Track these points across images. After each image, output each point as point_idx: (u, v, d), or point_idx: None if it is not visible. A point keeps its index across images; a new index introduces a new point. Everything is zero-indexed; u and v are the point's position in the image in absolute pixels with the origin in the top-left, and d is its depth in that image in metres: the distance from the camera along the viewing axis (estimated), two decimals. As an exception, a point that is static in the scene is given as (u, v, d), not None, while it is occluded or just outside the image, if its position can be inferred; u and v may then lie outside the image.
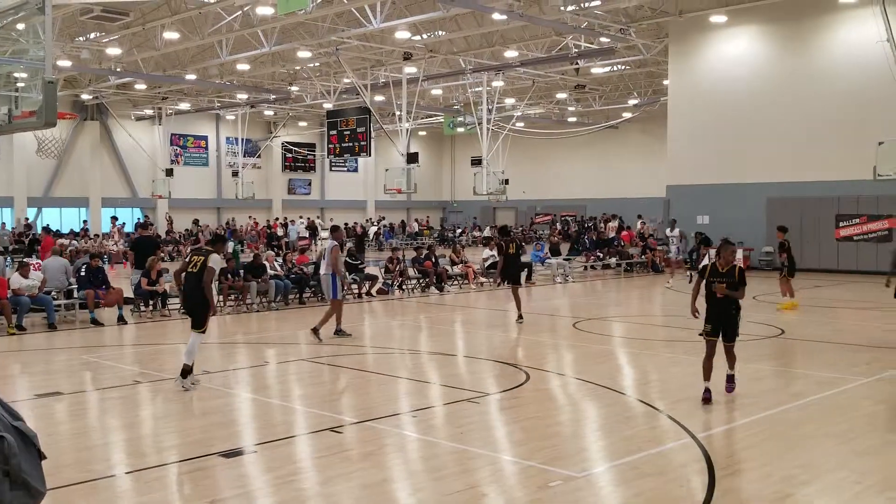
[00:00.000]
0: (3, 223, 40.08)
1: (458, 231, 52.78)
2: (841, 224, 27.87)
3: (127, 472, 7.14)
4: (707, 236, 20.81)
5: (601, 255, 30.53)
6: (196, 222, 46.16)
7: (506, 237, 17.59)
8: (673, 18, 29.42)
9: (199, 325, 10.44)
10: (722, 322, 9.41)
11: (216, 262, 10.56)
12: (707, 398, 9.25)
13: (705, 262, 12.54)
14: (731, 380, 9.69)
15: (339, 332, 14.42)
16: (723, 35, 29.86)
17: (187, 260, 10.81)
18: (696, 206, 30.13)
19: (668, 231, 26.83)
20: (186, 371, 10.28)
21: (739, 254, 15.58)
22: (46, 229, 30.31)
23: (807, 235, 27.68)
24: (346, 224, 49.65)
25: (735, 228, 28.66)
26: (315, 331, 14.09)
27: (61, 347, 14.12)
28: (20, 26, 8.95)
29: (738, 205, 29.13)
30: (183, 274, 10.62)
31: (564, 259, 28.02)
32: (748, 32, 29.60)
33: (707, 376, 9.37)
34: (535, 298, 21.98)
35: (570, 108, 46.77)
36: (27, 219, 29.53)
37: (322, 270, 15.16)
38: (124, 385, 10.87)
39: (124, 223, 42.10)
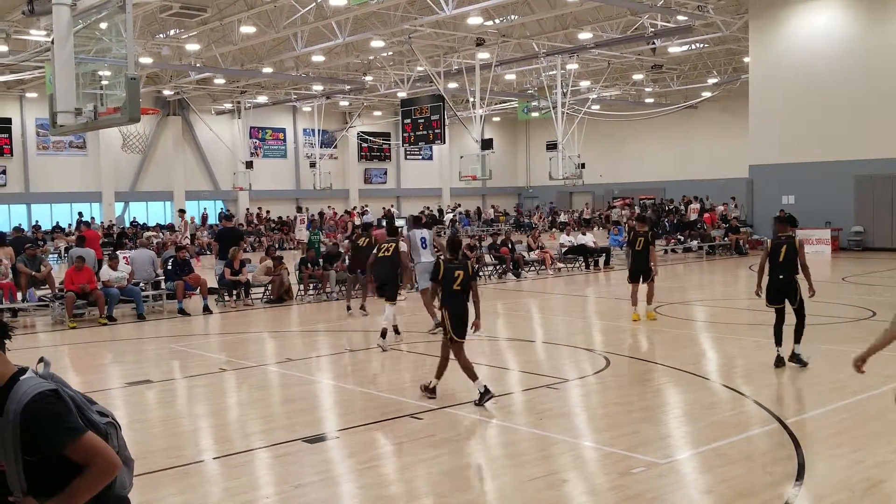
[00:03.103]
0: (93, 217, 41.48)
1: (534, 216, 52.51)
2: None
3: (214, 458, 7.32)
4: (791, 215, 20.18)
5: (682, 237, 29.99)
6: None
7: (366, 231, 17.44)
8: (753, -7, 28.62)
9: (392, 297, 12.37)
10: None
11: (404, 244, 13.11)
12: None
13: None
14: None
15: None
16: (805, 9, 28.87)
17: (378, 246, 12.97)
18: (780, 185, 29.30)
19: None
20: (385, 332, 12.08)
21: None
22: (86, 223, 31.20)
23: (898, 214, 26.68)
24: (421, 211, 50.00)
25: (822, 208, 27.91)
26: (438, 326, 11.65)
27: (150, 337, 14.56)
28: (103, 25, 9.20)
29: (824, 184, 28.20)
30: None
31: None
32: (831, 5, 28.53)
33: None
34: (613, 283, 21.71)
35: (647, 89, 45.92)
36: (110, 222, 30.08)
37: (428, 258, 13.79)
38: (211, 373, 11.16)
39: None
